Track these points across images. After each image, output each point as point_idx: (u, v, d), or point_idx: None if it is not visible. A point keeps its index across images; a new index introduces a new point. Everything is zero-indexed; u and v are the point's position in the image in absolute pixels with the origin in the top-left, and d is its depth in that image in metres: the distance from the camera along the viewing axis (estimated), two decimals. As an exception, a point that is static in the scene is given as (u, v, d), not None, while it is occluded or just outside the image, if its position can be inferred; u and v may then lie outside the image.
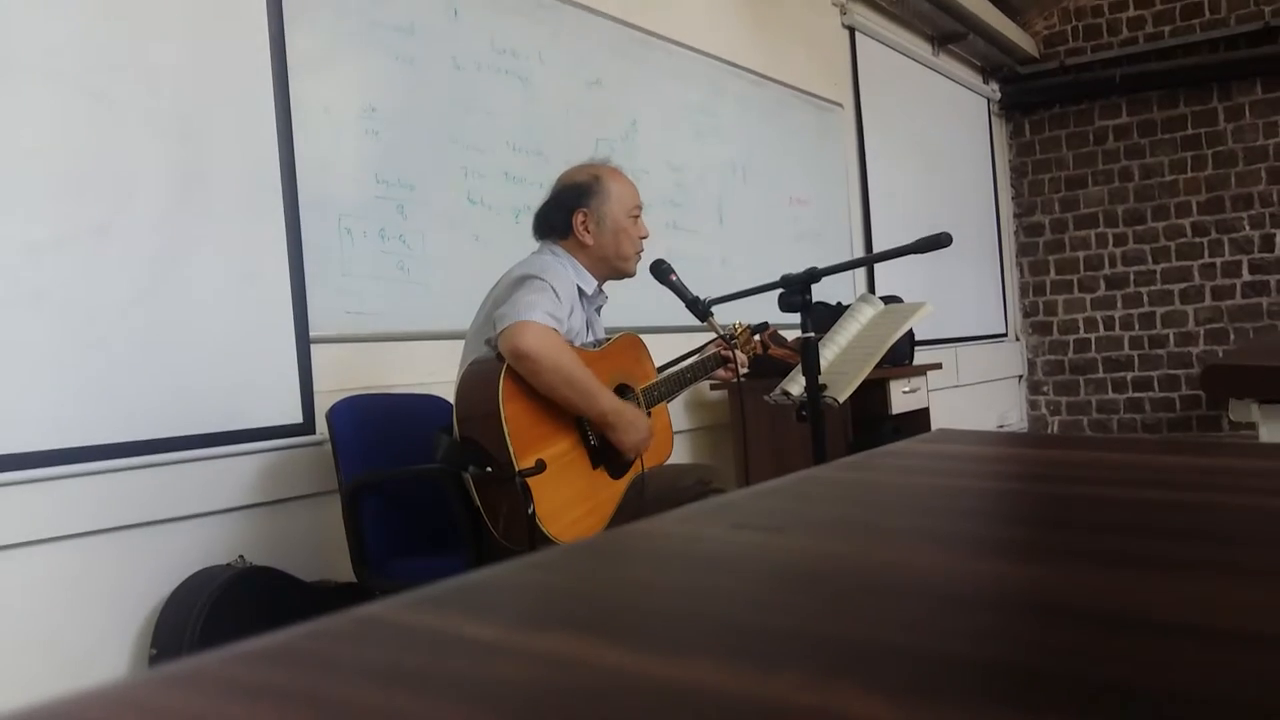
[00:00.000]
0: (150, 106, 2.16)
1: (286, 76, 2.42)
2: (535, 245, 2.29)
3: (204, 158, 2.24)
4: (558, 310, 2.02)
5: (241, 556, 2.20)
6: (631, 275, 2.31)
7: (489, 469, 1.92)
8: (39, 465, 1.92)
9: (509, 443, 1.91)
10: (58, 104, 2.01)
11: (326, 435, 2.20)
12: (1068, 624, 0.29)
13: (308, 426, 2.39)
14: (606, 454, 2.12)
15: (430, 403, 2.43)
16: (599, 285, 2.26)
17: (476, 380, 2.00)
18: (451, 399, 2.15)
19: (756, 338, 2.56)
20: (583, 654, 0.26)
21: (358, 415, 2.23)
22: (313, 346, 2.43)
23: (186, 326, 2.18)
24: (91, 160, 2.05)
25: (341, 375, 2.49)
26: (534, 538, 1.91)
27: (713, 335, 2.37)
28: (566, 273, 2.15)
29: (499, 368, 1.96)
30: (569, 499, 2.00)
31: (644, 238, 2.29)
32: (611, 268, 2.26)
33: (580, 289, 2.19)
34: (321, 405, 2.30)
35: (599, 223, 2.22)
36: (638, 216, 2.28)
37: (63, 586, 1.99)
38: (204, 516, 2.21)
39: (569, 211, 2.22)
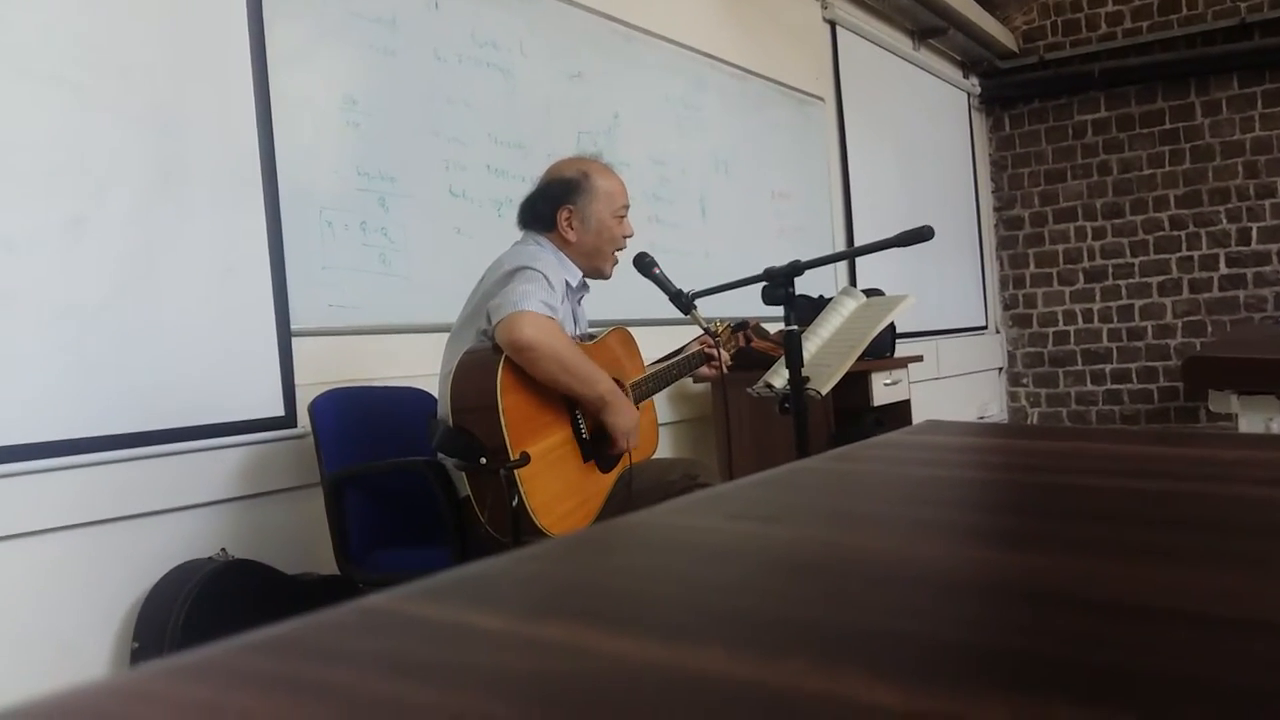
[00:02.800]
0: (128, 98, 2.14)
1: (266, 68, 2.40)
2: (518, 236, 2.29)
3: (183, 150, 2.23)
4: (552, 299, 2.02)
5: (224, 549, 2.19)
6: (606, 278, 2.31)
7: (482, 459, 1.92)
8: (19, 459, 1.91)
9: (505, 434, 1.91)
10: (32, 96, 1.98)
11: (308, 428, 2.19)
12: (1061, 610, 0.29)
13: (289, 419, 2.38)
14: (597, 448, 2.12)
15: (412, 395, 2.42)
16: (582, 278, 2.26)
17: (473, 371, 2.00)
18: (434, 391, 2.15)
19: (738, 335, 2.58)
20: (588, 642, 0.26)
21: (339, 408, 2.22)
22: (294, 340, 2.41)
23: (166, 320, 2.17)
24: (67, 153, 2.03)
25: (323, 368, 2.48)
26: (519, 529, 1.91)
27: (695, 330, 2.38)
28: (553, 262, 2.15)
29: (497, 359, 1.95)
30: (560, 492, 2.01)
31: (628, 237, 2.29)
32: (590, 265, 2.26)
33: (566, 281, 2.19)
34: (303, 398, 2.29)
35: (583, 221, 2.22)
36: (623, 216, 2.28)
37: (45, 580, 1.97)
38: (186, 510, 2.20)
39: (555, 206, 2.22)
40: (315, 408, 2.16)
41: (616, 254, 2.28)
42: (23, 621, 1.93)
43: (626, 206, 2.29)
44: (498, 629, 0.28)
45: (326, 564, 2.20)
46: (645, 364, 2.38)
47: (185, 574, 2.10)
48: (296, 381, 2.40)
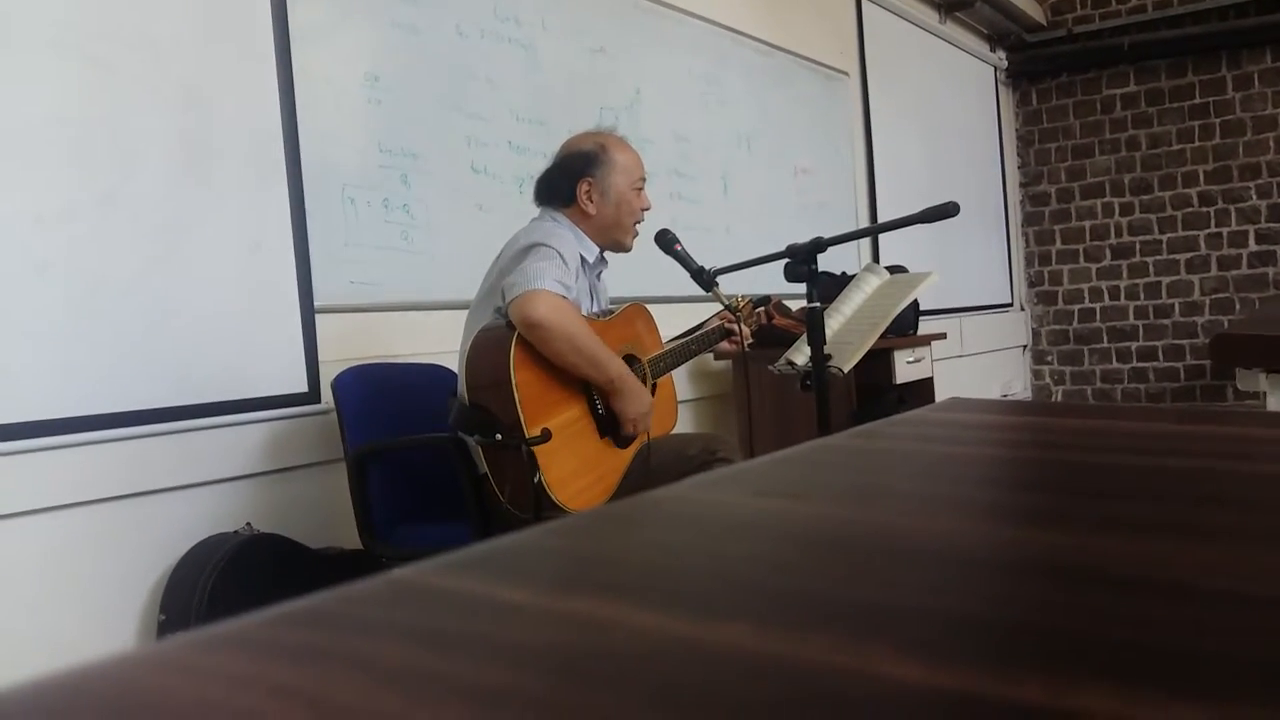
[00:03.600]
0: (154, 76, 2.15)
1: (289, 45, 2.41)
2: (536, 213, 2.28)
3: (208, 128, 2.24)
4: (566, 277, 2.02)
5: (248, 524, 2.21)
6: (627, 250, 2.30)
7: (498, 435, 1.93)
8: (47, 434, 1.93)
9: (520, 410, 1.92)
10: (62, 74, 2.00)
11: (332, 404, 2.20)
12: (1088, 587, 0.29)
13: (313, 395, 2.40)
14: (613, 423, 2.13)
15: (434, 372, 2.43)
16: (600, 253, 2.26)
17: (487, 348, 2.01)
18: (455, 368, 2.15)
19: (760, 310, 2.57)
20: (616, 616, 0.26)
21: (362, 384, 2.23)
22: (317, 316, 2.43)
23: (192, 296, 2.18)
24: (96, 131, 2.04)
25: (346, 345, 2.50)
26: (540, 505, 1.92)
27: (717, 307, 2.37)
28: (569, 239, 2.15)
29: (510, 336, 1.96)
30: (576, 467, 2.02)
31: (646, 210, 2.28)
32: (610, 239, 2.25)
33: (582, 256, 2.19)
34: (326, 374, 2.31)
35: (603, 193, 2.21)
36: (641, 189, 2.27)
37: (72, 554, 2.00)
38: (211, 484, 2.22)
39: (574, 180, 2.21)
40: (338, 384, 2.18)
41: (636, 226, 2.28)
42: (51, 594, 1.97)
43: (644, 179, 2.29)
44: (526, 602, 0.28)
45: (349, 538, 2.22)
46: (663, 340, 2.38)
47: (211, 547, 2.13)
48: (320, 358, 2.42)
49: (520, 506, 1.94)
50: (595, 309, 2.25)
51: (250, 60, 2.34)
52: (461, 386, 2.03)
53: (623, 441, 2.16)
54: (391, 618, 0.27)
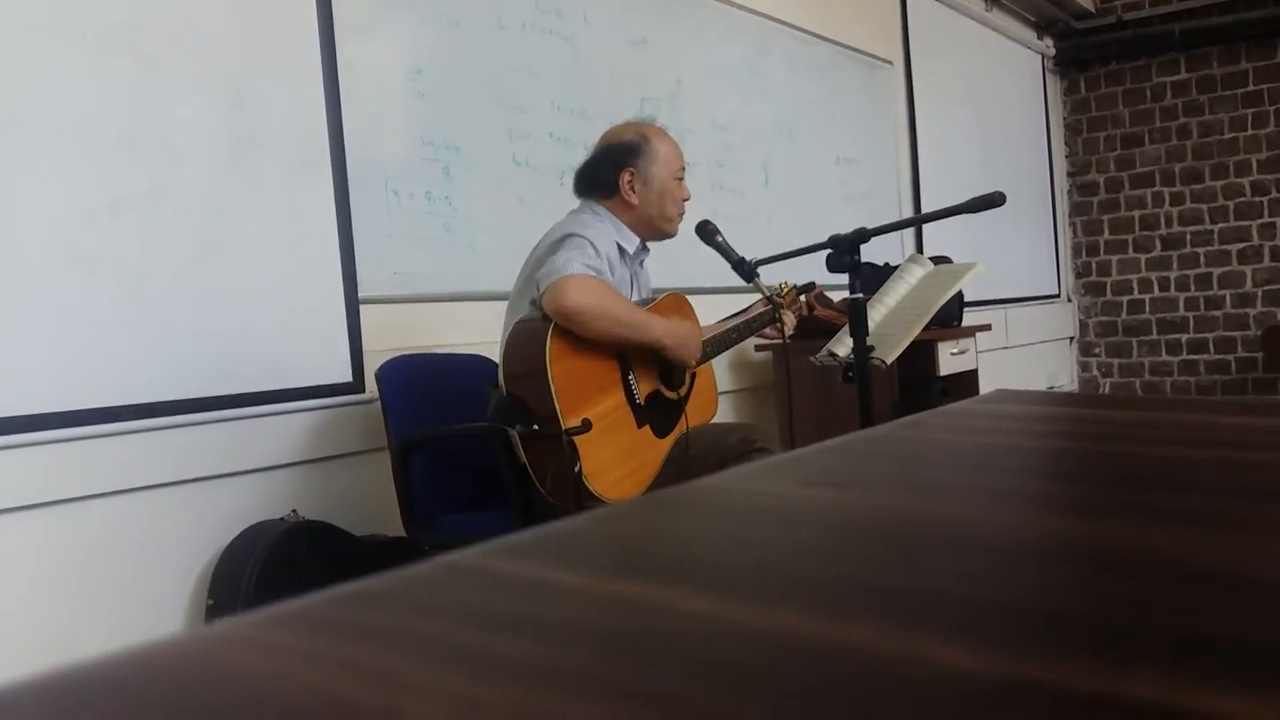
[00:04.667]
0: (200, 71, 2.18)
1: (334, 39, 2.43)
2: (577, 205, 2.30)
3: (253, 121, 2.27)
4: (597, 263, 2.04)
5: (294, 511, 2.25)
6: (673, 236, 2.31)
7: (535, 426, 1.95)
8: (101, 421, 1.98)
9: (556, 401, 1.93)
10: (110, 71, 2.04)
11: (376, 394, 2.23)
12: (1137, 577, 0.29)
13: (358, 385, 2.43)
14: (652, 413, 2.14)
15: (476, 362, 2.45)
16: (641, 243, 2.26)
17: (523, 340, 2.03)
18: (497, 358, 2.17)
19: (802, 298, 2.56)
20: (667, 600, 0.27)
21: (406, 374, 2.26)
22: (361, 307, 2.46)
23: (239, 287, 2.22)
24: (144, 125, 2.08)
25: (389, 335, 2.52)
26: (580, 495, 1.93)
27: (758, 296, 2.37)
28: (606, 230, 2.16)
29: (545, 327, 1.98)
30: (615, 457, 2.03)
31: (686, 199, 2.29)
32: (654, 228, 2.26)
33: (621, 247, 2.19)
34: (370, 364, 2.34)
35: (645, 183, 2.22)
36: (681, 178, 2.28)
37: (122, 539, 2.05)
38: (258, 472, 2.26)
39: (616, 170, 2.22)
40: (382, 374, 2.20)
41: (680, 214, 2.29)
42: (101, 579, 2.01)
43: (684, 168, 2.29)
44: (578, 585, 0.29)
45: (393, 526, 2.25)
46: (702, 329, 2.38)
47: (258, 534, 2.16)
48: (364, 348, 2.45)
49: (560, 496, 1.95)
50: (636, 298, 2.26)
51: (295, 54, 2.37)
52: (500, 377, 2.05)
53: (661, 430, 2.17)
54: (449, 599, 0.28)
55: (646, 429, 2.14)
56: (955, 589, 0.28)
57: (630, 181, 2.21)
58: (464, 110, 2.76)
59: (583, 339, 2.01)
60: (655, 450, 2.15)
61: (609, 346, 2.07)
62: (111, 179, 2.02)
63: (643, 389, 2.14)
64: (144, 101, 2.08)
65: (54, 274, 1.93)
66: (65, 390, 1.94)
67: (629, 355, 2.13)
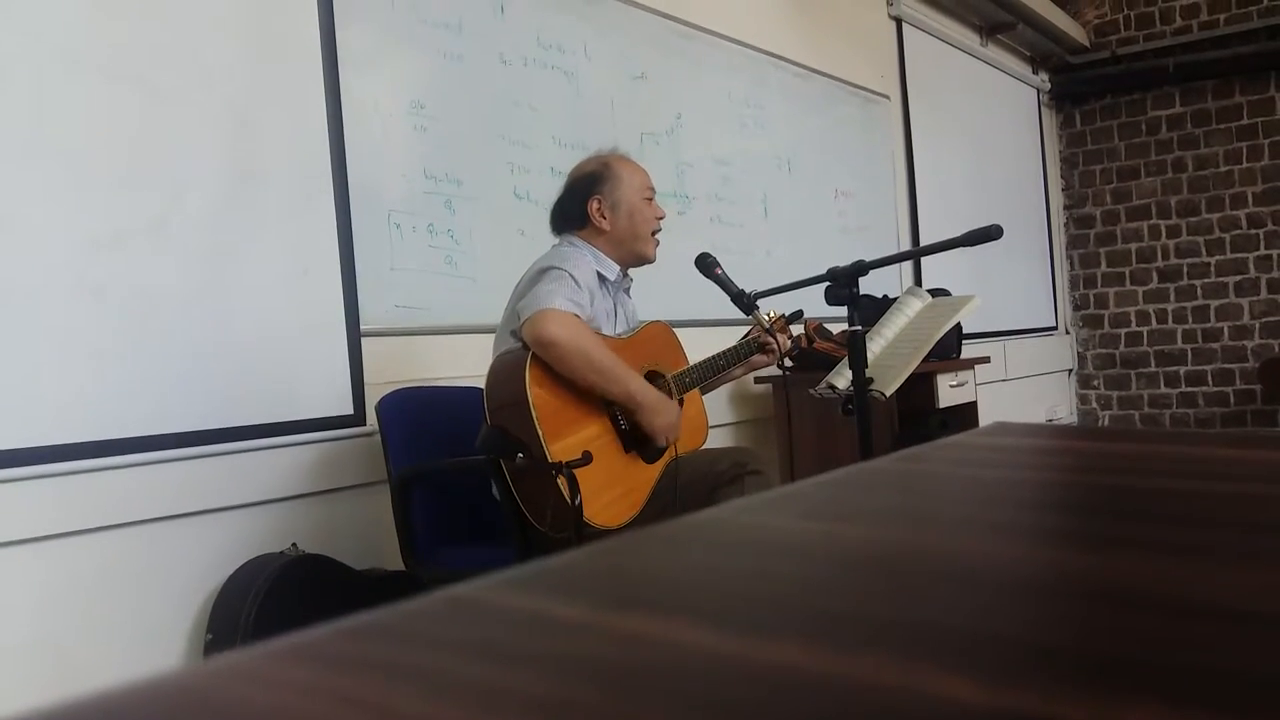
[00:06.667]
0: (204, 101, 2.20)
1: (337, 72, 2.46)
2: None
3: (257, 152, 2.29)
4: (578, 296, 2.05)
5: (294, 544, 2.24)
6: (650, 259, 2.31)
7: (520, 455, 1.93)
8: (100, 455, 1.97)
9: (538, 427, 1.93)
10: (115, 100, 2.05)
11: (376, 427, 2.23)
12: (1138, 612, 0.29)
13: (359, 418, 2.43)
14: (639, 438, 2.13)
15: (476, 395, 2.43)
16: (621, 271, 2.27)
17: (503, 371, 2.04)
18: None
19: (794, 328, 2.54)
20: (668, 634, 0.27)
21: (406, 407, 2.26)
22: (363, 339, 2.46)
23: (241, 320, 2.23)
24: (148, 155, 2.10)
25: (391, 368, 2.53)
26: (580, 528, 1.92)
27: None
28: (585, 260, 2.18)
29: (524, 356, 1.99)
30: (602, 483, 2.01)
31: (660, 219, 2.30)
32: (631, 251, 2.27)
33: (601, 275, 2.20)
34: (371, 397, 2.34)
35: (613, 207, 2.24)
36: (651, 198, 2.29)
37: (122, 573, 2.04)
38: (258, 505, 2.26)
39: (583, 200, 2.25)
40: (383, 406, 2.21)
41: (655, 236, 2.29)
42: (101, 612, 2.00)
43: (652, 189, 2.31)
44: (580, 619, 0.29)
45: (393, 559, 2.24)
46: (687, 358, 2.37)
47: (257, 568, 2.15)
48: (365, 380, 2.45)
49: (557, 529, 1.94)
50: (619, 329, 2.27)
51: (299, 86, 2.39)
52: (485, 410, 2.05)
53: (650, 456, 2.16)
54: (451, 633, 0.28)
55: (634, 455, 2.13)
56: (954, 622, 0.28)
57: (599, 209, 2.24)
58: (466, 144, 2.78)
59: None
60: (643, 476, 2.14)
61: None
62: (115, 209, 2.03)
63: (627, 415, 2.14)
64: (148, 131, 2.10)
65: (56, 304, 1.94)
66: (67, 423, 1.94)
67: None
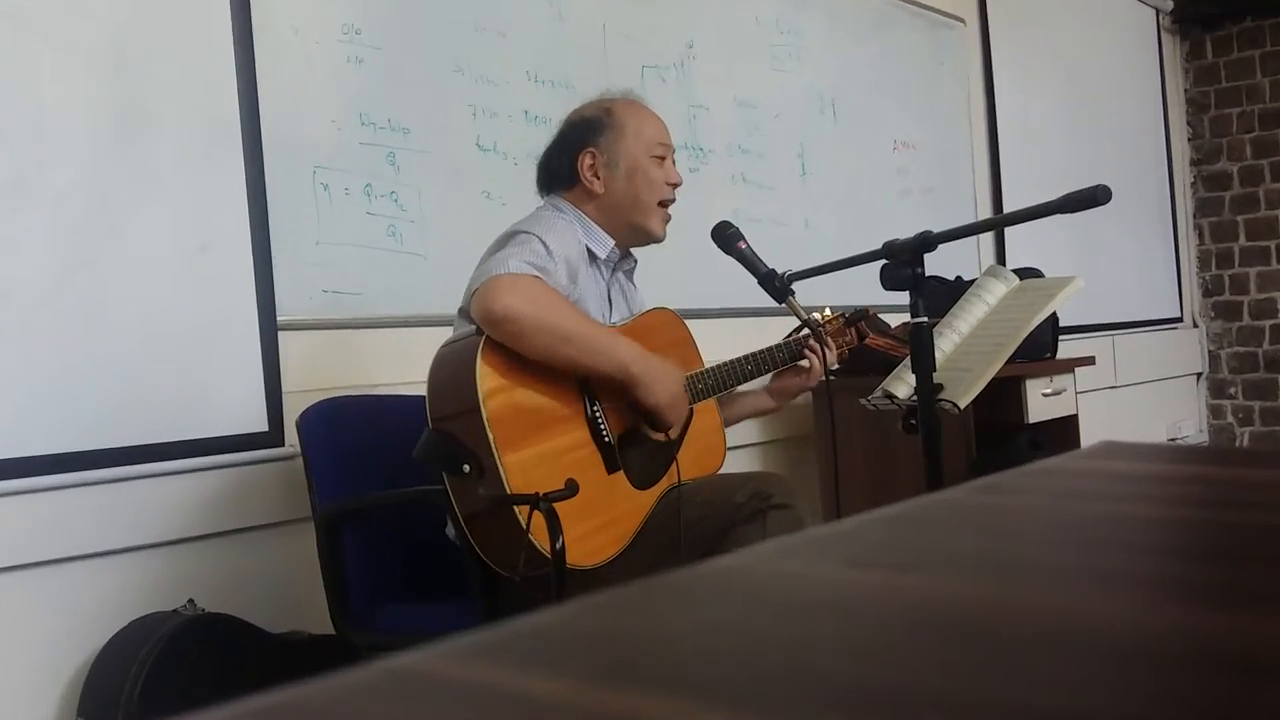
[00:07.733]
0: (76, 30, 2.20)
1: (247, -11, 2.46)
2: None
3: (144, 94, 2.29)
4: (542, 261, 2.03)
5: (191, 601, 2.24)
6: (656, 237, 2.30)
7: (466, 467, 1.91)
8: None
9: (490, 435, 1.90)
10: (-39, 26, 2.06)
11: (297, 447, 2.23)
12: (1274, 683, 0.29)
13: (275, 436, 2.43)
14: (627, 457, 2.13)
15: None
16: (617, 248, 2.26)
17: (448, 361, 2.01)
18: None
19: (852, 330, 2.52)
20: (671, 717, 0.27)
21: (337, 422, 2.26)
22: (280, 334, 2.47)
23: (122, 309, 2.23)
24: (3, 99, 2.10)
25: (317, 371, 2.53)
26: (563, 578, 1.90)
27: (794, 322, 2.33)
28: (568, 228, 2.18)
29: (475, 344, 1.97)
30: (578, 508, 1.97)
31: (675, 185, 2.29)
32: (630, 224, 2.26)
33: (590, 250, 2.20)
34: (292, 409, 2.34)
35: (610, 165, 2.24)
36: (664, 157, 2.28)
37: (-32, 638, 2.04)
38: (144, 550, 2.26)
39: (573, 154, 2.25)
40: (305, 422, 2.21)
41: (665, 207, 2.28)
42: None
43: (668, 146, 2.30)
44: (560, 698, 0.29)
45: (319, 620, 2.24)
46: (703, 359, 2.35)
47: (143, 631, 2.15)
48: (284, 388, 2.45)
49: (528, 576, 1.92)
50: (615, 319, 2.26)
51: (196, 8, 2.39)
52: (428, 414, 2.03)
53: (642, 480, 2.15)
54: (393, 716, 0.28)
55: (619, 476, 2.12)
56: (1050, 701, 0.28)
57: (591, 165, 2.24)
58: (415, 81, 2.78)
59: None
60: (633, 504, 2.13)
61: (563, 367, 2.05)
62: (-41, 170, 2.04)
63: (614, 424, 2.12)
64: (3, 70, 2.10)
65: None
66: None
67: (593, 379, 2.11)
